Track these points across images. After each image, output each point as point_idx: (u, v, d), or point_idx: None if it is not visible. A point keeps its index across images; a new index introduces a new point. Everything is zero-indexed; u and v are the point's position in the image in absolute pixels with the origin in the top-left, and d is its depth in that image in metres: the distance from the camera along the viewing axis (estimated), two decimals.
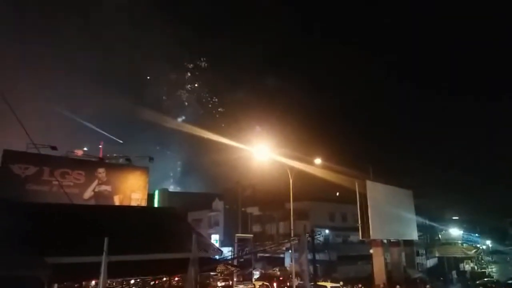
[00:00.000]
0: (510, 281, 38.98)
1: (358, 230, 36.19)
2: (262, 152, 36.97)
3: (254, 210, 54.37)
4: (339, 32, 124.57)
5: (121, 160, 31.96)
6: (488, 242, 57.16)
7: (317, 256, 16.05)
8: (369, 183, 35.90)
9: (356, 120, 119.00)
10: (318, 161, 37.65)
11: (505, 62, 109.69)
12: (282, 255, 45.47)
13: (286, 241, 29.13)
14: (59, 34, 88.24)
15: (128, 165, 31.12)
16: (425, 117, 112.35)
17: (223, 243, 46.30)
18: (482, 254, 53.64)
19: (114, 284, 16.05)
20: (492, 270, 51.18)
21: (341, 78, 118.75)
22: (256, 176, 54.14)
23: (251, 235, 26.65)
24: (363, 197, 35.20)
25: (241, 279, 22.01)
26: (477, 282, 38.40)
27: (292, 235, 32.29)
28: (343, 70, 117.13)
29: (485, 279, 42.23)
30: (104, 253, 8.28)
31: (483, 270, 50.44)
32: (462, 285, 35.76)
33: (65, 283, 14.78)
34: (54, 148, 25.46)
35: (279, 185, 44.28)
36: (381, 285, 33.78)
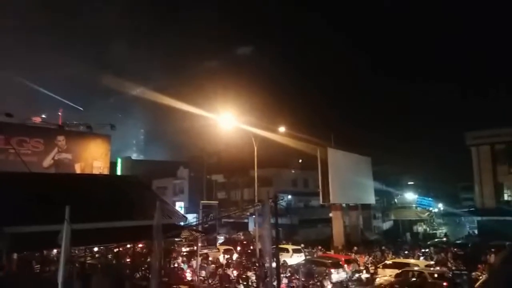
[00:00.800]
0: (458, 241, 41.93)
1: (319, 195, 37.53)
2: (227, 120, 36.97)
3: (219, 178, 54.90)
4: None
5: (81, 128, 31.07)
6: (440, 206, 60.68)
7: (280, 220, 16.61)
8: (330, 150, 36.97)
9: (319, 89, 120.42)
10: (282, 129, 38.21)
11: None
12: (246, 220, 46.61)
13: (250, 206, 29.80)
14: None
15: (89, 132, 30.35)
16: (387, 88, 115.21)
17: (188, 210, 46.74)
18: (434, 217, 57.00)
19: (76, 252, 16.06)
20: (443, 231, 54.66)
21: (307, 48, 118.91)
22: (221, 144, 54.27)
23: (216, 202, 27.01)
24: (324, 164, 36.32)
25: (206, 244, 22.47)
26: (429, 242, 40.96)
27: (256, 201, 33.04)
28: (309, 41, 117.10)
29: (436, 240, 45.15)
30: (65, 221, 8.27)
31: (434, 232, 53.79)
32: (414, 245, 38.08)
33: (24, 252, 14.70)
34: (9, 115, 24.36)
35: (243, 152, 44.67)
36: (340, 247, 35.48)
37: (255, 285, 19.96)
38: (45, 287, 11.16)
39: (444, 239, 45.77)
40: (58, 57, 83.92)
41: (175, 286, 16.06)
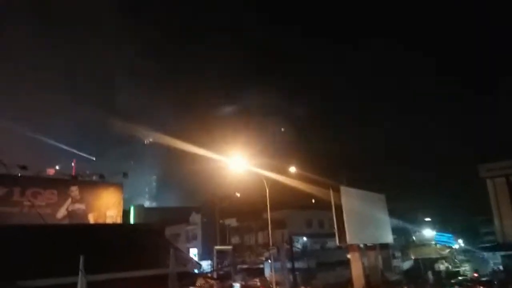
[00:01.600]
0: (483, 278, 40.23)
1: (335, 236, 36.68)
2: (237, 163, 37.08)
3: (232, 222, 54.29)
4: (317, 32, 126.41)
5: (94, 177, 31.30)
6: (461, 241, 58.83)
7: (296, 264, 16.18)
8: (343, 189, 36.51)
9: (330, 128, 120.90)
10: (292, 169, 38.10)
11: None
12: (261, 266, 45.46)
13: (265, 250, 29.26)
14: (18, 49, 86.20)
15: (102, 182, 30.54)
16: (397, 124, 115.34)
17: (202, 257, 45.92)
18: (455, 253, 55.12)
19: None
20: (466, 268, 52.61)
21: (315, 88, 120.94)
22: (233, 187, 54.14)
23: (230, 247, 26.63)
24: (338, 204, 35.76)
25: None
26: (452, 281, 39.40)
27: (270, 244, 32.44)
28: (317, 80, 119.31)
29: (460, 278, 43.41)
30: (80, 272, 8.19)
31: (457, 269, 51.80)
32: (438, 284, 36.63)
33: None
34: (24, 167, 24.76)
35: (255, 195, 44.41)
36: None
37: None
38: None
39: (469, 277, 44.05)
40: (71, 108, 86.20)
41: None
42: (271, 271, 32.60)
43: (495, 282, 33.18)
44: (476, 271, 46.45)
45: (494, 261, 46.73)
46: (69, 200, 27.62)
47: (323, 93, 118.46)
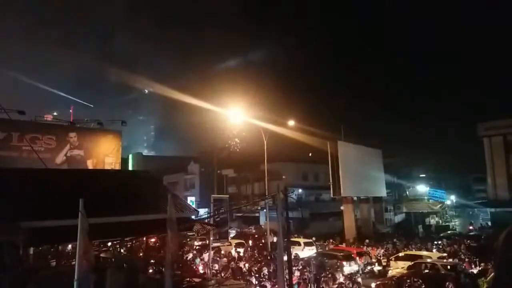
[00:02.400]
0: (471, 233, 41.58)
1: (329, 189, 37.45)
2: (236, 115, 37.01)
3: (230, 172, 55.06)
4: None
5: (92, 124, 31.31)
6: (453, 198, 60.16)
7: (291, 214, 16.69)
8: (340, 144, 36.83)
9: (329, 81, 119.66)
10: (291, 122, 38.12)
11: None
12: (257, 214, 46.73)
13: (261, 199, 29.91)
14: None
15: (100, 129, 30.59)
16: (397, 79, 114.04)
17: (200, 205, 47.03)
18: (446, 208, 56.56)
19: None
20: (455, 223, 54.21)
21: (316, 39, 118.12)
22: (231, 138, 54.39)
23: (227, 196, 27.14)
24: (335, 157, 36.21)
25: (218, 238, 22.60)
26: (441, 234, 40.68)
27: (266, 195, 33.12)
28: (318, 32, 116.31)
29: (449, 232, 44.84)
30: (80, 214, 8.39)
31: (447, 224, 53.39)
32: (427, 237, 37.86)
33: (40, 247, 14.95)
34: (22, 112, 24.62)
35: (253, 147, 44.74)
36: (352, 240, 35.45)
37: (267, 278, 20.06)
38: (62, 280, 11.34)
39: (457, 231, 45.51)
40: (69, 54, 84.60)
41: (188, 279, 16.21)
42: (265, 219, 33.55)
43: (483, 237, 34.28)
44: (471, 224, 47.83)
45: (484, 217, 48.03)
46: (68, 146, 27.78)
47: (323, 46, 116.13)
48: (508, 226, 2.16)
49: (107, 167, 28.72)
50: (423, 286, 17.67)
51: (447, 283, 17.81)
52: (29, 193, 11.70)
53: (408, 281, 18.66)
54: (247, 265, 23.15)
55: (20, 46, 79.13)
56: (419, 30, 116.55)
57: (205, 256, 24.40)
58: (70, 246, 17.10)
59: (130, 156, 60.12)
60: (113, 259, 16.87)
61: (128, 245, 18.02)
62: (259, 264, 23.03)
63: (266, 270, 21.16)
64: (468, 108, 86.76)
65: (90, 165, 28.42)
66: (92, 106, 69.77)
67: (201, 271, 21.27)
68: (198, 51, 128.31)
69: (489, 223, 42.77)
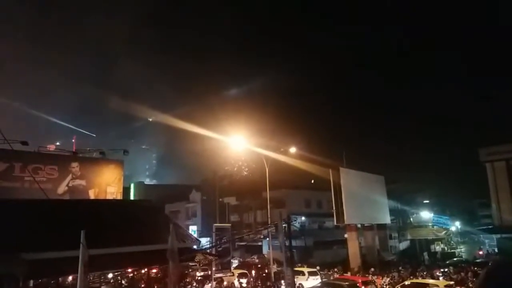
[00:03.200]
0: (478, 260, 40.82)
1: (333, 216, 37.09)
2: (238, 142, 37.18)
3: (232, 200, 54.75)
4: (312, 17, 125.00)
5: (94, 154, 31.46)
6: (457, 224, 59.45)
7: (294, 242, 16.49)
8: (342, 170, 36.73)
9: (331, 108, 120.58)
10: (293, 149, 38.23)
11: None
12: (260, 243, 46.11)
13: (263, 228, 29.60)
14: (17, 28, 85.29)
15: (102, 158, 30.69)
16: (398, 105, 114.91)
17: (202, 234, 46.51)
18: (451, 235, 55.76)
19: (91, 278, 16.04)
20: (461, 250, 53.31)
21: (317, 68, 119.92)
22: (233, 166, 54.40)
23: (229, 225, 26.93)
24: (337, 184, 36.04)
25: (220, 268, 22.28)
26: (447, 262, 39.96)
27: (269, 223, 32.81)
28: (317, 60, 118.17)
29: (455, 259, 44.03)
30: (81, 246, 8.34)
31: (452, 251, 52.49)
32: (433, 265, 37.17)
33: (41, 279, 14.71)
34: (25, 143, 24.78)
35: (255, 174, 44.73)
36: (356, 269, 34.80)
37: None
38: None
39: (463, 258, 44.74)
40: (71, 85, 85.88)
41: None
42: (269, 248, 33.06)
43: (490, 264, 33.65)
44: (480, 249, 46.94)
45: (490, 243, 47.25)
46: (70, 176, 27.80)
47: (324, 75, 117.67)
48: (489, 265, 1.93)
49: (109, 196, 28.64)
50: None
51: None
52: (30, 225, 11.64)
53: None
54: None
55: (23, 76, 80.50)
56: (419, 53, 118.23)
57: (207, 287, 23.99)
58: (70, 277, 16.84)
59: (132, 185, 60.02)
60: None
61: (130, 276, 17.75)
62: None
63: None
64: (471, 133, 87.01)
65: (92, 194, 28.34)
66: (94, 135, 70.34)
67: None
68: (200, 80, 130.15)
69: (496, 250, 42.06)
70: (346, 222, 36.21)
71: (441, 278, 29.29)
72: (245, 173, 53.88)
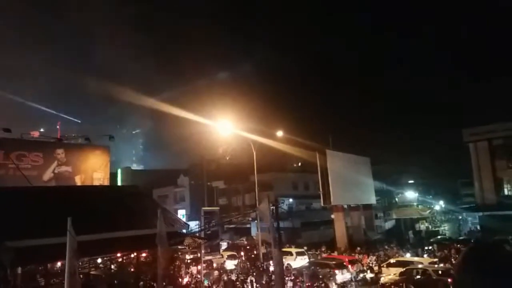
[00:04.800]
0: (460, 237, 41.94)
1: (320, 197, 37.59)
2: (225, 127, 37.06)
3: (220, 184, 54.95)
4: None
5: (80, 140, 31.06)
6: (441, 203, 60.67)
7: (282, 224, 16.77)
8: (329, 153, 37.10)
9: (317, 91, 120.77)
10: (280, 133, 38.31)
11: None
12: (248, 226, 46.60)
13: (251, 211, 29.87)
14: None
15: (88, 144, 30.32)
16: (383, 88, 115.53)
17: (190, 218, 46.72)
18: (435, 214, 56.96)
19: (80, 263, 16.07)
20: (445, 228, 54.58)
21: (304, 51, 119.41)
22: (221, 150, 54.38)
23: (217, 208, 27.07)
24: (324, 166, 36.44)
25: (209, 251, 22.48)
26: (432, 240, 40.94)
27: (257, 205, 33.06)
28: (306, 44, 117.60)
29: (439, 237, 45.12)
30: (68, 233, 8.34)
31: (436, 229, 53.71)
32: (417, 243, 38.08)
33: (28, 266, 14.69)
34: (7, 130, 24.33)
35: (243, 158, 44.81)
36: (343, 248, 35.50)
37: None
38: None
39: (447, 236, 45.81)
40: (55, 70, 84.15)
41: None
42: (257, 230, 33.49)
43: (472, 241, 34.59)
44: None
45: (473, 221, 48.45)
46: (55, 162, 27.48)
47: (311, 58, 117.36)
48: (468, 246, 1.92)
49: (96, 182, 28.44)
50: None
51: None
52: (16, 212, 11.55)
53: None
54: (240, 277, 23.01)
55: (4, 62, 78.49)
56: (404, 40, 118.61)
57: (193, 269, 24.31)
58: (59, 264, 16.84)
59: (119, 171, 59.66)
60: (103, 276, 16.67)
61: (119, 261, 17.84)
62: (251, 276, 22.92)
63: (259, 282, 21.08)
64: (454, 114, 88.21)
65: (78, 181, 28.12)
66: (79, 121, 69.37)
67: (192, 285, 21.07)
68: (186, 63, 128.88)
69: (478, 227, 43.20)
70: (332, 203, 36.76)
71: (425, 255, 30.08)
72: (233, 157, 53.94)
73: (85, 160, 29.18)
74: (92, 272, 16.78)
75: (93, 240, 11.24)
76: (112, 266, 18.05)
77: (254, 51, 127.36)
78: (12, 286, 11.93)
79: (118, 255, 15.73)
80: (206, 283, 21.33)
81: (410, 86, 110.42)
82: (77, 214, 9.47)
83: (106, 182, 29.84)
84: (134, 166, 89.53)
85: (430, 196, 59.59)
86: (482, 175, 40.12)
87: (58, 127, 33.88)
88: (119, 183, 53.77)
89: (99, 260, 17.71)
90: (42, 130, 41.93)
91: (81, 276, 14.72)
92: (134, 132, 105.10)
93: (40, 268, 16.04)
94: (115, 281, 15.36)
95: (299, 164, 50.89)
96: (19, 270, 14.25)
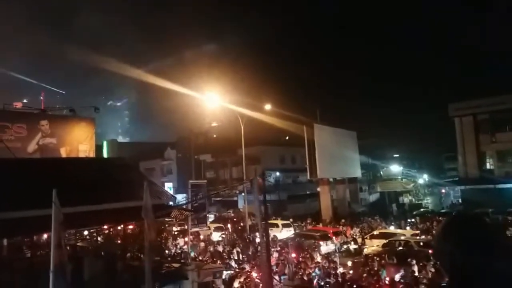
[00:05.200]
0: (443, 210, 43.03)
1: (306, 171, 38.00)
2: (213, 99, 36.76)
3: (207, 157, 54.99)
4: None
5: (64, 112, 30.53)
6: (425, 177, 61.91)
7: (268, 197, 16.98)
8: (316, 127, 37.25)
9: (304, 64, 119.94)
10: (268, 107, 38.23)
11: None
12: (235, 198, 47.03)
13: (238, 184, 30.09)
14: None
15: (73, 116, 29.81)
16: (369, 62, 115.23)
17: (178, 191, 46.84)
18: (419, 187, 58.20)
19: (67, 235, 16.09)
20: (428, 201, 55.88)
21: (291, 23, 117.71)
22: (208, 123, 54.11)
23: (205, 181, 27.16)
24: (311, 140, 36.67)
25: (196, 223, 22.65)
26: (414, 212, 41.95)
27: (244, 179, 33.32)
28: (293, 16, 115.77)
29: (422, 210, 46.25)
30: (53, 205, 8.27)
31: (419, 202, 55.00)
32: (400, 216, 38.99)
33: (14, 238, 14.66)
34: None
35: (230, 131, 44.72)
36: (328, 220, 36.19)
37: (246, 260, 20.36)
38: (37, 271, 11.21)
39: (430, 209, 46.92)
40: (36, 38, 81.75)
41: (167, 265, 16.26)
42: (244, 203, 33.83)
43: (453, 214, 35.52)
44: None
45: (455, 195, 49.64)
46: (40, 134, 27.03)
47: (299, 31, 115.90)
48: (445, 220, 1.94)
49: (81, 155, 28.15)
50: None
51: (421, 259, 18.48)
52: (1, 184, 11.41)
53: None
54: (226, 248, 23.38)
55: None
56: (391, 14, 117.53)
57: (180, 240, 24.58)
58: (45, 235, 16.84)
59: (105, 143, 59.00)
60: (90, 248, 16.75)
61: (106, 233, 17.88)
62: (237, 247, 23.31)
63: (245, 253, 21.46)
64: (440, 89, 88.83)
65: (63, 153, 27.78)
66: (63, 92, 68.02)
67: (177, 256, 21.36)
68: (173, 34, 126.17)
69: (460, 200, 44.31)
70: (319, 177, 37.22)
71: (408, 227, 30.87)
72: (221, 130, 53.79)
73: (70, 132, 28.75)
74: (78, 244, 16.84)
75: (79, 212, 11.21)
76: (99, 238, 18.10)
77: (243, 23, 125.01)
78: None
79: (105, 227, 15.76)
80: (192, 254, 21.61)
81: (398, 60, 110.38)
82: (63, 186, 9.40)
83: (92, 154, 29.58)
84: (120, 139, 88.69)
85: (415, 170, 60.68)
86: (466, 149, 40.87)
87: (41, 98, 33.18)
88: (105, 156, 53.32)
89: (86, 232, 17.75)
90: (25, 101, 41.13)
91: (67, 247, 14.77)
92: (119, 104, 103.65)
93: (26, 240, 16.03)
94: (102, 253, 15.43)
95: (287, 137, 51.03)
96: (5, 242, 14.24)
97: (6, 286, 10.53)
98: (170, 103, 62.05)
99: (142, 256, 14.15)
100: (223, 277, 16.30)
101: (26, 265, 13.28)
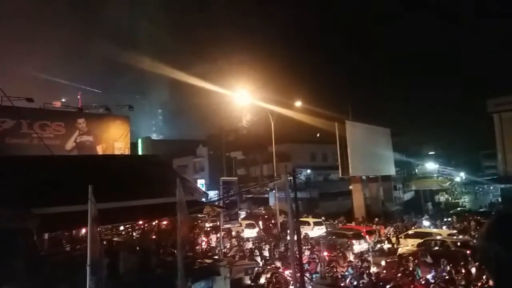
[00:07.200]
0: (481, 209, 41.51)
1: (338, 168, 37.47)
2: (244, 97, 36.90)
3: (238, 155, 55.25)
4: None
5: (100, 110, 31.52)
6: (462, 175, 59.90)
7: (299, 195, 16.88)
8: (348, 123, 36.64)
9: (337, 61, 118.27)
10: (298, 103, 37.98)
11: None
12: (266, 196, 47.03)
13: (269, 181, 30.08)
14: None
15: (108, 114, 30.74)
16: (404, 56, 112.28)
17: (209, 187, 47.31)
18: (456, 185, 56.35)
19: (104, 230, 16.56)
20: (465, 200, 54.06)
21: (322, 20, 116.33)
22: (239, 121, 54.37)
23: (236, 178, 27.32)
24: (343, 137, 36.10)
25: (228, 219, 22.82)
26: (451, 211, 40.67)
27: (275, 176, 33.25)
28: (324, 12, 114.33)
29: (458, 209, 44.80)
30: (89, 201, 8.52)
31: (456, 201, 53.27)
32: (436, 215, 37.89)
33: (54, 233, 15.22)
34: (30, 100, 24.77)
35: (261, 129, 44.76)
36: (361, 219, 35.61)
37: (278, 257, 20.32)
38: (76, 264, 11.58)
39: (467, 208, 45.39)
40: (72, 40, 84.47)
41: (200, 260, 16.47)
42: (275, 200, 33.79)
43: (493, 214, 34.19)
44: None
45: (494, 193, 47.79)
46: (77, 132, 27.98)
47: (331, 27, 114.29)
48: (491, 217, 1.81)
49: (117, 152, 28.93)
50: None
51: (458, 260, 17.87)
52: (40, 180, 11.85)
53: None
54: (256, 245, 23.43)
55: (23, 35, 78.96)
56: (426, 9, 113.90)
57: (212, 236, 24.85)
58: (83, 230, 17.41)
59: (139, 141, 60.42)
60: (126, 243, 17.18)
61: (141, 229, 18.30)
62: (269, 245, 23.31)
63: (277, 250, 21.43)
64: (477, 84, 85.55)
65: (100, 150, 28.64)
66: (99, 91, 69.94)
67: (209, 253, 21.60)
68: (204, 33, 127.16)
69: (499, 199, 42.58)
70: (351, 174, 36.61)
71: (444, 227, 29.94)
72: (251, 127, 53.89)
73: (106, 130, 29.62)
74: (114, 239, 17.30)
75: (115, 208, 11.49)
76: (134, 234, 18.55)
77: (273, 20, 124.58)
78: (39, 251, 12.43)
79: (140, 222, 16.11)
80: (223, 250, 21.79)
81: (434, 56, 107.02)
82: (99, 183, 9.66)
83: (127, 152, 30.35)
84: (154, 136, 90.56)
85: (451, 168, 58.77)
86: (505, 146, 39.13)
87: (79, 97, 34.41)
88: (139, 153, 54.58)
89: (122, 228, 18.22)
90: (63, 100, 42.57)
91: (104, 242, 15.20)
92: (153, 102, 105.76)
93: (65, 234, 16.63)
94: (137, 248, 15.79)
95: (318, 134, 50.51)
96: (46, 236, 14.82)
97: (46, 279, 10.93)
98: (202, 101, 62.71)
99: (175, 251, 14.36)
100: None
101: (65, 258, 13.77)
